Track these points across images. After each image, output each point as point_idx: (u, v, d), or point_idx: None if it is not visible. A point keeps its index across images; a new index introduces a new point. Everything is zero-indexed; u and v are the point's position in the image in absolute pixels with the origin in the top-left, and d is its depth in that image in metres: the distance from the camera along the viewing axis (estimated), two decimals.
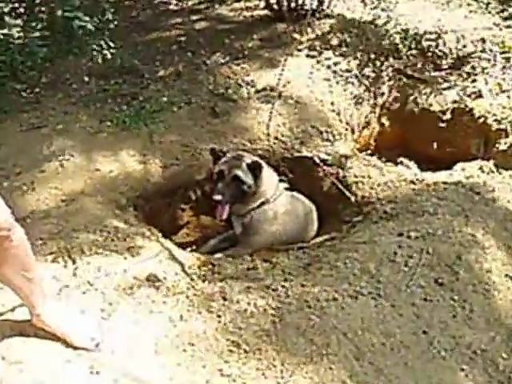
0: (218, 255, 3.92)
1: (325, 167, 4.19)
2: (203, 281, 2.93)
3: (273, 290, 2.82)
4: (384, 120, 5.39)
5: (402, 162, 5.19)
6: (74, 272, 2.89)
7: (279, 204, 3.97)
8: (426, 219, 3.31)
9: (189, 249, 3.72)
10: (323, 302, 2.68)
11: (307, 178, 4.37)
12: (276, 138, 4.42)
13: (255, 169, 3.76)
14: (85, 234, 3.24)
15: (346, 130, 4.89)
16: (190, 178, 4.22)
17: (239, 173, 3.70)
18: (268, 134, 4.36)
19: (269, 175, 3.91)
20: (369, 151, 5.15)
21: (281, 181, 4.09)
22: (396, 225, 3.33)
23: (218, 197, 3.63)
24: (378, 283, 2.82)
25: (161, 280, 2.87)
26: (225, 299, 2.72)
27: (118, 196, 3.77)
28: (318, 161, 4.23)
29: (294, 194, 4.21)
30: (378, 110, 5.28)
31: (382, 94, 5.24)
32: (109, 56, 4.35)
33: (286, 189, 4.13)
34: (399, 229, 3.26)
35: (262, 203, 3.90)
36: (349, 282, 2.85)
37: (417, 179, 3.90)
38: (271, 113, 4.20)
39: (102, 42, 4.25)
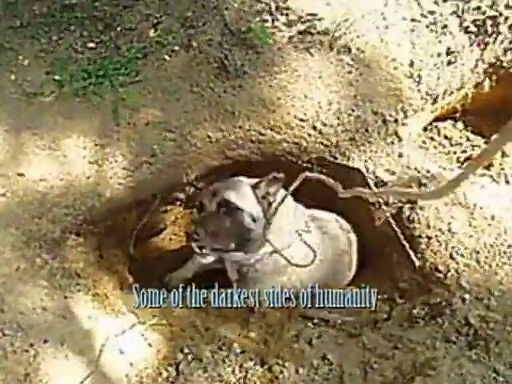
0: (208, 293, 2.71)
1: (380, 197, 2.64)
2: None
3: None
4: (483, 77, 3.59)
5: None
6: None
7: (297, 248, 2.57)
8: None
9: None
10: None
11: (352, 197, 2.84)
12: (314, 128, 2.81)
13: (268, 197, 2.34)
14: None
15: (426, 101, 3.19)
16: (173, 181, 2.77)
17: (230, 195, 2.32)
18: (301, 119, 2.79)
19: (287, 208, 2.46)
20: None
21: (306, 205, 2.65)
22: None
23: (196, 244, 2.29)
24: None
25: None
26: None
27: (48, 226, 2.41)
28: (371, 182, 2.67)
29: (327, 222, 2.77)
30: (480, 66, 3.45)
31: (488, 43, 3.36)
32: None
33: (315, 206, 2.71)
34: None
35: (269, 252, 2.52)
36: None
37: None
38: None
39: None
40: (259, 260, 2.50)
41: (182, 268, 3.01)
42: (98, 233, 2.63)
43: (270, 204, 2.40)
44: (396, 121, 2.88)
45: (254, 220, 2.39)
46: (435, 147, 3.68)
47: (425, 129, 3.66)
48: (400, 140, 2.89)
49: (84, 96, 2.74)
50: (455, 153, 3.65)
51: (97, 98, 2.74)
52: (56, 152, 2.55)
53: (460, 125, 3.81)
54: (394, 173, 2.68)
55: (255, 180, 2.41)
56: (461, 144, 3.73)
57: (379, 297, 2.67)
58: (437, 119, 3.71)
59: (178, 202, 3.05)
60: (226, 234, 2.36)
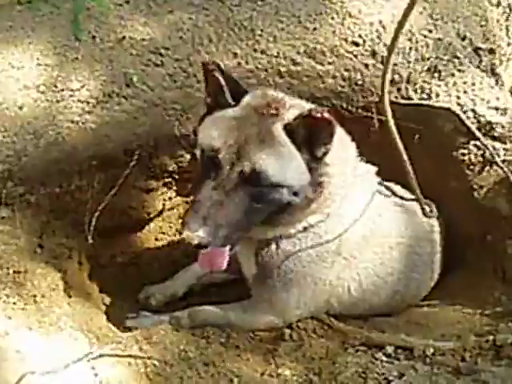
0: (208, 310, 1.69)
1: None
2: None
3: None
4: None
5: None
6: None
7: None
8: None
9: None
10: None
11: (435, 155, 1.88)
12: (373, 54, 1.87)
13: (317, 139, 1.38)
14: None
15: None
16: (158, 132, 1.80)
17: (267, 163, 1.36)
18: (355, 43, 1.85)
19: (341, 153, 1.52)
20: None
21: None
22: None
23: (195, 235, 1.28)
24: None
25: None
26: None
27: None
28: (472, 126, 1.70)
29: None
30: None
31: None
32: None
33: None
34: None
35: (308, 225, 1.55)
36: None
37: None
38: None
39: None
40: (292, 235, 1.53)
41: (169, 280, 2.00)
42: (36, 203, 1.63)
43: (318, 159, 1.44)
44: (492, 51, 1.94)
45: (295, 193, 1.41)
46: None
47: None
48: (498, 81, 1.93)
49: (28, 4, 1.82)
50: None
51: (48, 6, 1.82)
52: None
53: None
54: (505, 111, 1.71)
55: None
56: None
57: (487, 312, 1.66)
58: None
59: (167, 178, 2.05)
60: (247, 214, 1.39)
